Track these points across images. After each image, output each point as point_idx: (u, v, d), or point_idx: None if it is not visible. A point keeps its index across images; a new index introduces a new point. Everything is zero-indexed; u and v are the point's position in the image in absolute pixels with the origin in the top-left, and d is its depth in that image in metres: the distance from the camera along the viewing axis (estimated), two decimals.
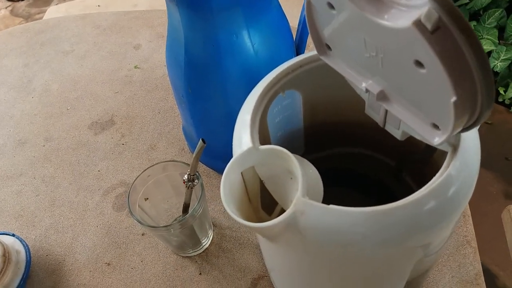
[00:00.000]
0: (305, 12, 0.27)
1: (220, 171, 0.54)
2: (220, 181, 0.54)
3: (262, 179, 0.30)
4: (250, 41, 0.38)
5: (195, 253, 0.47)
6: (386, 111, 0.29)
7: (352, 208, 0.24)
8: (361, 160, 0.44)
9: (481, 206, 1.18)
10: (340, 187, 0.41)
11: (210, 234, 0.48)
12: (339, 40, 0.26)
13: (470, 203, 0.35)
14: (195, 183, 0.41)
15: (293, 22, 0.47)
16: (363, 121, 0.36)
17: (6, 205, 0.55)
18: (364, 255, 0.26)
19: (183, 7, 0.36)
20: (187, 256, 0.48)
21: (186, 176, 0.41)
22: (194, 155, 0.39)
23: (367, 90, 0.27)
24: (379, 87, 0.26)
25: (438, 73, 0.20)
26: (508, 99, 1.40)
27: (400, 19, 0.20)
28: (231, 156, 0.51)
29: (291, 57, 0.45)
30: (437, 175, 0.25)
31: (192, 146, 0.54)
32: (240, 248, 0.48)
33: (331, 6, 0.24)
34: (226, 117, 0.44)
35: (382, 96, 0.26)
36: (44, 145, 0.62)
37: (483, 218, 1.14)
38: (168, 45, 0.42)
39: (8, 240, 0.48)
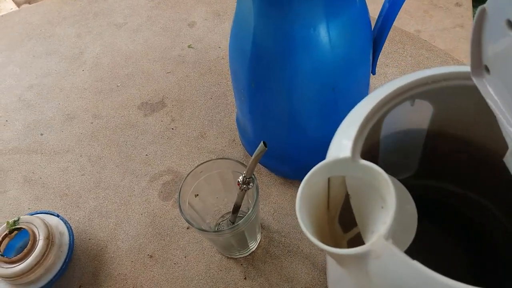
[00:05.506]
0: (473, 24, 0.21)
1: (273, 170, 0.50)
2: (271, 179, 0.50)
3: (349, 192, 0.26)
4: (328, 35, 0.33)
5: (241, 256, 0.44)
6: None
7: (441, 276, 0.19)
8: (465, 200, 0.38)
9: None
10: (427, 220, 0.35)
11: (259, 237, 0.45)
12: (506, 66, 0.21)
13: None
14: (250, 186, 0.38)
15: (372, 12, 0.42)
16: (494, 158, 0.30)
17: (52, 181, 0.54)
18: None
19: None
20: (232, 258, 0.45)
21: (241, 178, 0.38)
22: (252, 158, 0.35)
23: None
24: None
25: None
26: None
27: None
28: (286, 157, 0.46)
29: (368, 53, 0.40)
30: None
31: (244, 138, 0.51)
32: (289, 256, 0.44)
33: (510, 25, 0.19)
34: (288, 116, 0.40)
35: None
36: (92, 122, 0.60)
37: None
38: (233, 33, 0.38)
39: (52, 220, 0.47)
